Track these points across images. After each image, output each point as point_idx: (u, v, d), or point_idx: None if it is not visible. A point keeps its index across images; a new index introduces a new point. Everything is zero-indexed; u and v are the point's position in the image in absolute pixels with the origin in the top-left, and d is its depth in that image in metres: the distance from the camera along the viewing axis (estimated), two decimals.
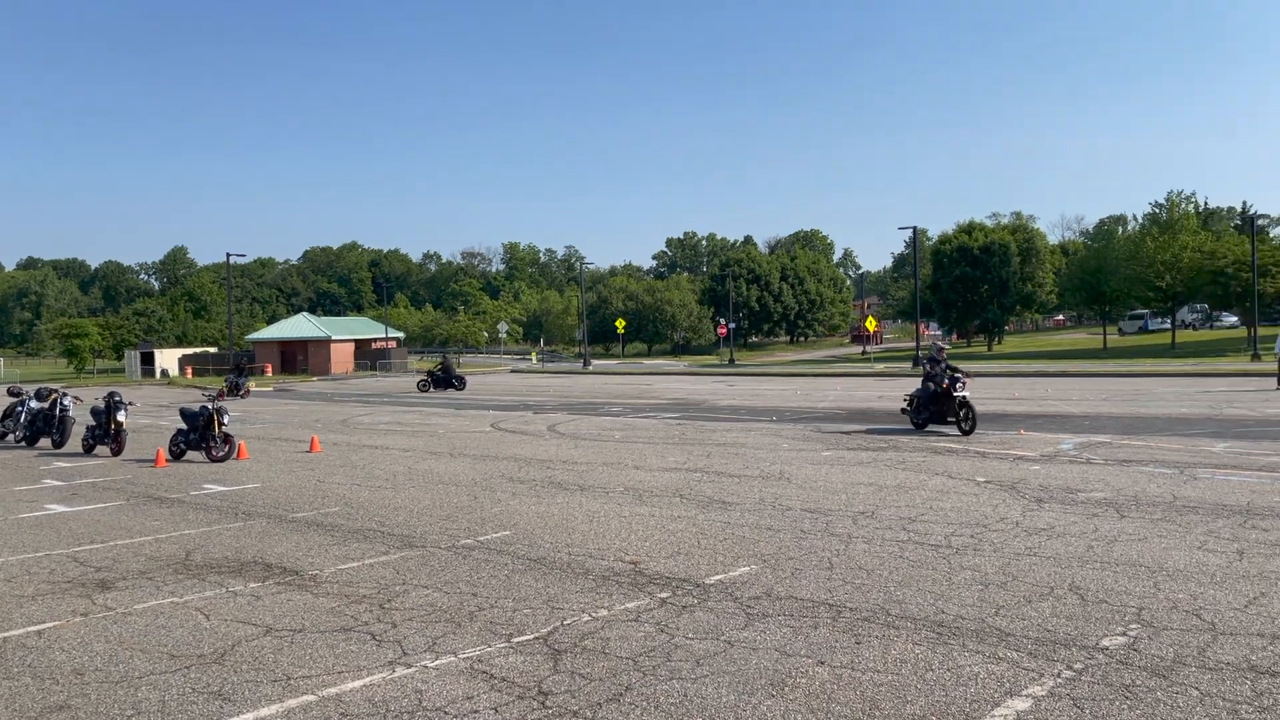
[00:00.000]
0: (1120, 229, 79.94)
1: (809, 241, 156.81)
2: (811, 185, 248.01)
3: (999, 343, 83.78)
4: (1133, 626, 6.73)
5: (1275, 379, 30.59)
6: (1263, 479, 12.73)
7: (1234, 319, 77.34)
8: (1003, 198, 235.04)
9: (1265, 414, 21.75)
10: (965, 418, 18.54)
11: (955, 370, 19.12)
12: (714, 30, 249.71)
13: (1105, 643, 6.41)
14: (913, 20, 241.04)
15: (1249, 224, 63.76)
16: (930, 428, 19.72)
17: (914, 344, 57.65)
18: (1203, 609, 7.09)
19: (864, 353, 78.77)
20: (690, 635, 6.82)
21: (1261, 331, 51.48)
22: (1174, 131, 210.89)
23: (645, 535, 10.35)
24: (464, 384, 45.45)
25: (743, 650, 6.47)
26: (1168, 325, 74.02)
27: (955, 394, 18.31)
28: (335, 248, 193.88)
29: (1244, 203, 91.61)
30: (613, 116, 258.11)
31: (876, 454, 16.56)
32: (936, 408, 18.95)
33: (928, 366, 19.48)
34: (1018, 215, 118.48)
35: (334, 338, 77.49)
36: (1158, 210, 68.69)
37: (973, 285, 77.59)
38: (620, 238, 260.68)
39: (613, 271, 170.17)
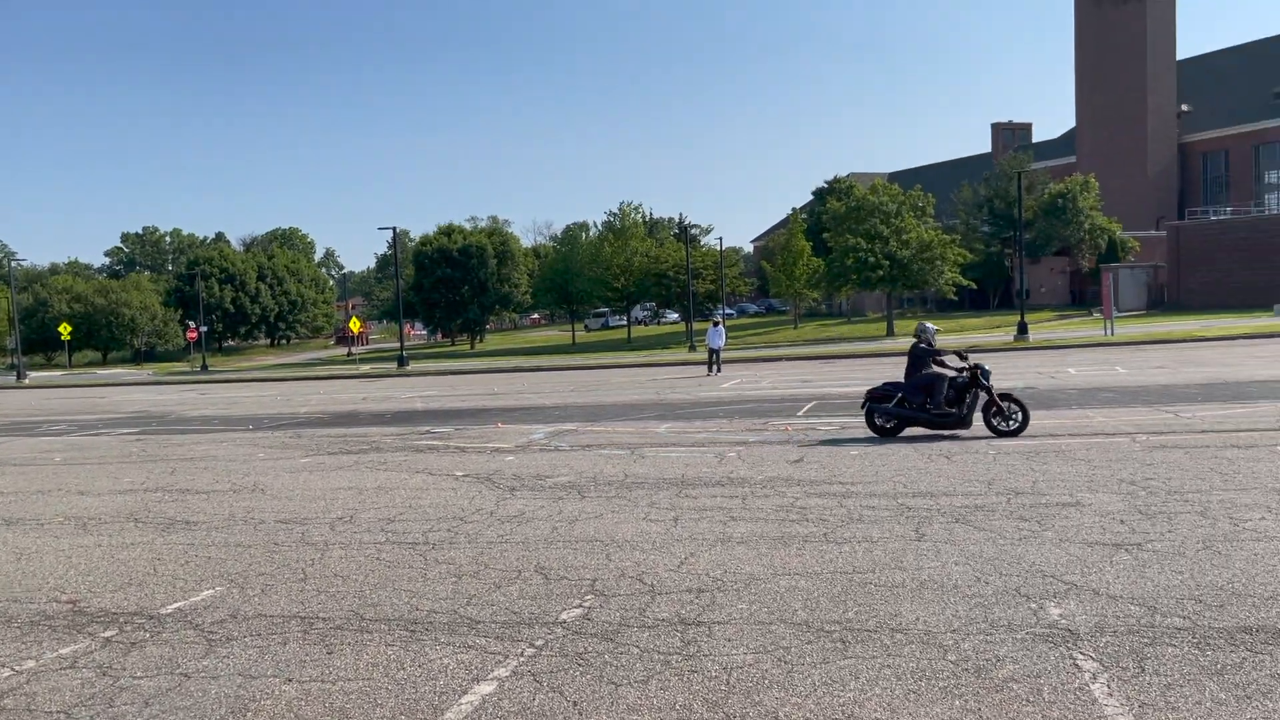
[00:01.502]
0: (583, 234, 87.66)
1: (288, 240, 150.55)
2: (288, 182, 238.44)
3: (481, 341, 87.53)
4: (588, 597, 7.35)
5: (706, 366, 35.57)
6: (694, 453, 14.68)
7: (675, 315, 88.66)
8: (481, 201, 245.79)
9: (699, 397, 25.16)
10: (1009, 413, 14.61)
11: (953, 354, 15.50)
12: (184, 13, 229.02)
13: (564, 616, 6.92)
14: (381, 20, 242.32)
15: (684, 233, 73.62)
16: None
17: (399, 345, 58.01)
18: (645, 573, 7.95)
19: (349, 355, 77.59)
20: (140, 674, 6.13)
21: (696, 326, 59.62)
22: (626, 146, 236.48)
23: (89, 569, 9.14)
24: None
25: (201, 681, 5.95)
26: (624, 322, 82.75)
27: (984, 383, 14.63)
28: None
29: (680, 214, 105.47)
30: (47, 95, 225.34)
31: (358, 456, 16.34)
32: (959, 399, 14.81)
33: (928, 350, 15.37)
34: (494, 219, 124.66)
35: None
36: (613, 218, 76.46)
37: (454, 286, 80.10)
38: (63, 231, 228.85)
39: (54, 270, 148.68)
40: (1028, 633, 6.09)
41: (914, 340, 15.73)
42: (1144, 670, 5.40)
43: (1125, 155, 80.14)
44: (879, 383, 15.95)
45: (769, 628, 6.45)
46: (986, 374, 14.82)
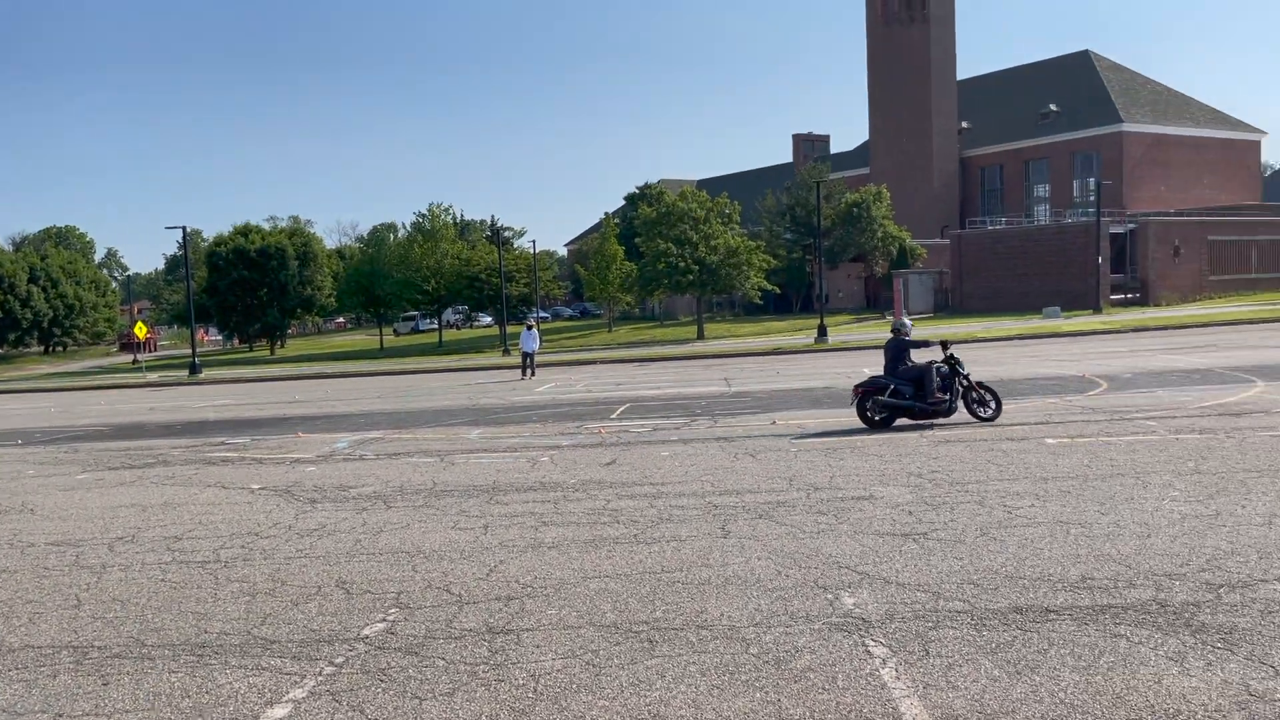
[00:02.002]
0: (391, 236, 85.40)
1: (64, 239, 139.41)
2: (64, 177, 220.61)
3: (282, 347, 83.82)
4: (392, 611, 7.12)
5: (520, 370, 35.36)
6: (506, 459, 14.53)
7: (489, 319, 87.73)
8: (281, 202, 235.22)
9: (512, 401, 24.97)
10: (985, 400, 15.26)
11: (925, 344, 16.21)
12: None
13: (366, 632, 6.67)
14: (187, 19, 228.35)
15: (497, 235, 73.02)
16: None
17: (190, 351, 54.69)
18: (452, 583, 7.79)
19: (135, 362, 72.57)
20: None
21: (510, 329, 59.24)
22: (435, 147, 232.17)
23: None
24: None
25: None
26: (436, 325, 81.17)
27: (961, 372, 15.25)
28: None
29: (493, 216, 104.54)
30: None
31: (143, 471, 15.28)
32: (946, 388, 15.20)
33: (910, 343, 15.94)
34: (296, 219, 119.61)
35: None
36: (422, 219, 74.84)
37: (252, 288, 76.29)
38: None
39: None
40: (824, 623, 6.33)
41: (892, 334, 15.98)
42: (928, 653, 5.72)
43: (913, 168, 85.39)
44: (865, 376, 15.94)
45: (578, 632, 6.44)
46: (961, 364, 15.33)
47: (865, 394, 15.54)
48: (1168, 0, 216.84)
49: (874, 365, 30.27)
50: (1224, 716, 4.71)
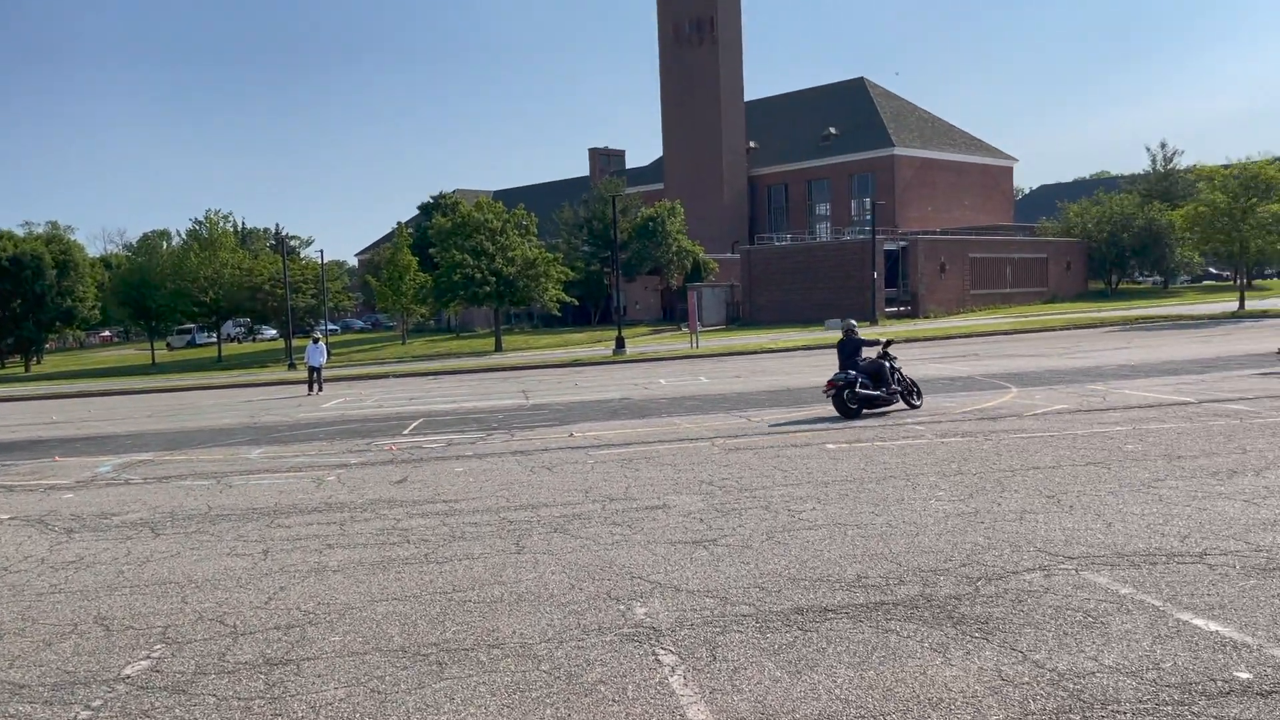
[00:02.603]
0: (165, 244, 79.99)
1: None
2: None
3: (38, 363, 76.90)
4: (158, 647, 6.62)
5: (307, 385, 33.89)
6: (289, 479, 13.86)
7: (273, 332, 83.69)
8: (38, 206, 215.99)
9: (298, 418, 23.88)
10: (911, 391, 17.67)
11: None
12: None
13: (127, 671, 6.17)
14: None
15: (281, 244, 69.72)
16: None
17: None
18: (227, 614, 7.32)
19: None
20: None
21: (296, 343, 56.70)
22: (212, 151, 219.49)
23: None
24: None
25: None
26: (215, 339, 76.68)
27: (897, 368, 17.66)
28: None
29: (278, 224, 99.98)
30: None
31: None
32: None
33: (862, 341, 18.04)
34: (54, 225, 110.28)
35: None
36: (199, 227, 70.58)
37: (3, 300, 69.65)
38: None
39: None
40: (616, 634, 6.37)
41: (845, 335, 17.97)
42: (715, 658, 5.85)
43: (705, 184, 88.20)
44: (836, 373, 17.21)
45: (363, 658, 6.19)
46: (895, 360, 17.77)
47: (841, 388, 16.92)
48: (933, 33, 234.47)
49: (668, 376, 30.96)
50: (980, 701, 5.06)
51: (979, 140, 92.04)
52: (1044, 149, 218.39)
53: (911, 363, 29.08)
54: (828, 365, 30.84)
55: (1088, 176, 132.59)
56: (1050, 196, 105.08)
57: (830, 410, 17.11)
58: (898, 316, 59.08)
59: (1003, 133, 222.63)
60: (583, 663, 5.89)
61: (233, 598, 7.77)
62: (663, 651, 6.00)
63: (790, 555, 8.07)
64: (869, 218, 66.23)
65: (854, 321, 19.40)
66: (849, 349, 17.63)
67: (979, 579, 7.13)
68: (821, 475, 11.60)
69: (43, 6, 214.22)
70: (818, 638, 6.09)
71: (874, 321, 53.92)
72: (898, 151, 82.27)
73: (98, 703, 5.66)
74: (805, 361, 33.26)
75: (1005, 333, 41.67)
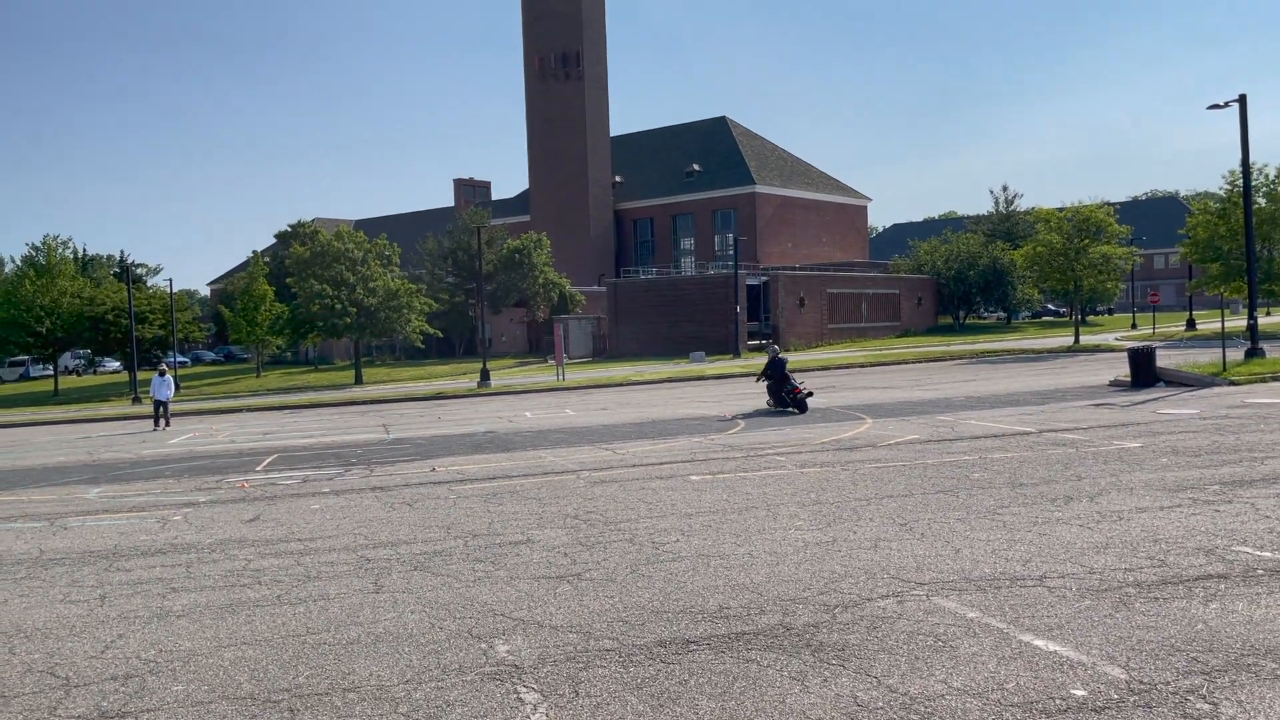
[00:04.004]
0: None
1: None
2: None
3: None
4: None
5: (153, 420, 32.22)
6: (131, 519, 13.12)
7: (117, 364, 79.38)
8: None
9: (142, 455, 22.66)
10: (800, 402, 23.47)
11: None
12: None
13: None
14: None
15: (126, 272, 66.36)
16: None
17: None
18: (58, 665, 6.85)
19: None
20: None
21: (142, 376, 53.91)
22: (52, 174, 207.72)
23: None
24: None
25: None
26: (51, 372, 72.16)
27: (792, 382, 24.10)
28: None
29: (123, 251, 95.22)
30: None
31: None
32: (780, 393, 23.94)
33: (784, 362, 24.80)
34: None
35: None
36: (35, 253, 66.53)
37: None
38: None
39: None
40: (477, 673, 6.25)
41: (773, 355, 24.85)
42: (578, 694, 5.81)
43: (571, 217, 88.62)
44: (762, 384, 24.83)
45: (208, 707, 5.88)
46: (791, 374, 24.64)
47: (776, 389, 23.99)
48: (792, 75, 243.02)
49: (534, 409, 30.78)
50: None
51: (835, 179, 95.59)
52: (896, 189, 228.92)
53: None
54: (693, 397, 31.31)
55: (937, 216, 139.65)
56: (902, 235, 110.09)
57: (694, 440, 17.34)
58: (760, 349, 60.50)
59: (857, 173, 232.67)
60: (442, 704, 5.75)
61: (65, 647, 7.27)
62: (524, 689, 5.92)
63: (654, 588, 8.10)
64: (732, 252, 67.73)
65: (777, 346, 28.27)
66: (781, 365, 24.24)
67: (836, 606, 7.31)
68: (685, 507, 11.71)
69: None
70: (680, 670, 6.12)
71: (738, 354, 55.03)
72: (759, 189, 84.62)
73: None
74: (671, 394, 33.64)
75: (861, 365, 43.15)
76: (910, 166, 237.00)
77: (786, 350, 59.59)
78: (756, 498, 12.08)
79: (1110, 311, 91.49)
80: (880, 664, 6.04)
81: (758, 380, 25.46)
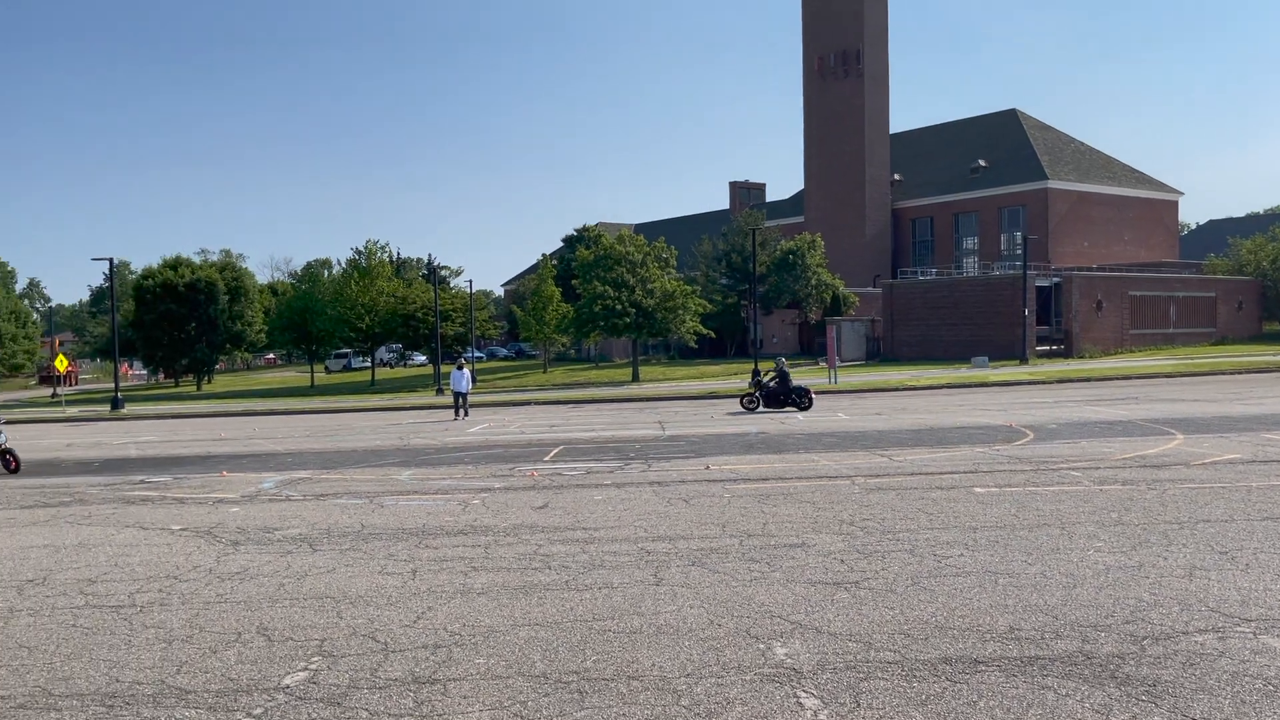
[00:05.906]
0: (326, 272, 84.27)
1: None
2: None
3: (209, 382, 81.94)
4: (315, 659, 6.90)
5: (453, 411, 34.98)
6: (437, 501, 14.30)
7: (423, 358, 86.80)
8: (213, 235, 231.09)
9: (444, 442, 24.65)
10: (804, 403, 29.34)
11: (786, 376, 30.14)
12: None
13: (287, 681, 6.46)
14: (119, 41, 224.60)
15: (433, 274, 72.51)
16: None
17: (114, 385, 53.10)
18: (378, 630, 7.59)
19: (54, 396, 70.26)
20: None
21: (444, 369, 58.67)
22: (372, 185, 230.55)
23: None
24: None
25: None
26: (368, 364, 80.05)
27: (793, 384, 29.94)
28: None
29: (430, 255, 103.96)
30: None
31: (57, 510, 14.71)
32: (785, 395, 29.53)
33: (786, 372, 30.40)
34: (227, 253, 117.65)
35: None
36: (358, 256, 74.07)
37: (180, 323, 74.65)
38: None
39: None
40: (756, 673, 6.29)
41: (777, 365, 30.41)
42: (860, 704, 5.70)
43: (847, 217, 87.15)
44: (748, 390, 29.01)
45: (506, 682, 6.30)
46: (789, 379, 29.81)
47: (769, 392, 29.75)
48: (1092, 64, 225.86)
49: (806, 411, 30.64)
50: None
51: (1140, 173, 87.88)
52: (1213, 182, 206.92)
53: (1064, 404, 27.89)
54: (976, 404, 29.88)
55: (1262, 211, 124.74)
56: (1220, 232, 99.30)
57: (977, 450, 16.54)
58: (1050, 355, 56.72)
59: (1167, 165, 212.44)
60: (722, 700, 5.83)
61: (383, 615, 8.04)
62: (804, 694, 5.89)
63: (937, 602, 7.80)
64: (1019, 252, 63.96)
65: (783, 358, 34.30)
66: (781, 375, 29.90)
67: (1144, 638, 6.73)
68: (969, 520, 11.20)
69: (233, 49, 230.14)
70: (968, 690, 5.86)
71: (1024, 360, 51.91)
72: (1051, 184, 79.32)
73: (259, 710, 5.94)
74: (950, 400, 32.28)
75: (1168, 375, 39.46)
76: (1228, 156, 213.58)
77: (1079, 357, 55.55)
78: (1049, 514, 11.34)
79: None
80: (1200, 706, 5.50)
81: (756, 386, 30.52)
